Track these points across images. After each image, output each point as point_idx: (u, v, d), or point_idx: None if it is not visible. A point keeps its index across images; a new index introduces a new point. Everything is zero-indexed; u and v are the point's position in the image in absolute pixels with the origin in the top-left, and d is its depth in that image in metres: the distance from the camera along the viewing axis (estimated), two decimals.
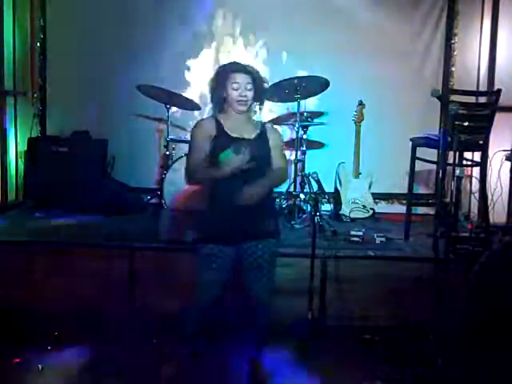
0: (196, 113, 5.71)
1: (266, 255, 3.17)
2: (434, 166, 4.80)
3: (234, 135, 3.12)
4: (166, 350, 3.51)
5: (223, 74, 3.13)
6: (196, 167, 3.09)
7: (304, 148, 5.42)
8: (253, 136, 3.15)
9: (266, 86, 3.24)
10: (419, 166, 4.95)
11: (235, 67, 3.15)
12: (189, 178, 3.18)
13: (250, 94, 3.11)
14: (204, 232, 3.19)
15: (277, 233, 3.28)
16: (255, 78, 3.13)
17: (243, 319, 3.43)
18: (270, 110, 5.80)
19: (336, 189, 5.53)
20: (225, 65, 3.22)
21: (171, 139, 5.28)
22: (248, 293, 3.27)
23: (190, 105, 5.42)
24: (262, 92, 3.19)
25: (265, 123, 3.30)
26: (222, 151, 3.02)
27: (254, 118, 3.27)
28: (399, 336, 3.86)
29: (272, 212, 3.33)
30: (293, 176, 5.44)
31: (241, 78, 3.09)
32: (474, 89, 5.57)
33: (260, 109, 3.25)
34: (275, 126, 3.44)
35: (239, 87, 3.08)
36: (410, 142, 4.90)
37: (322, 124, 5.61)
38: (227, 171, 2.97)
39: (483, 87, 5.56)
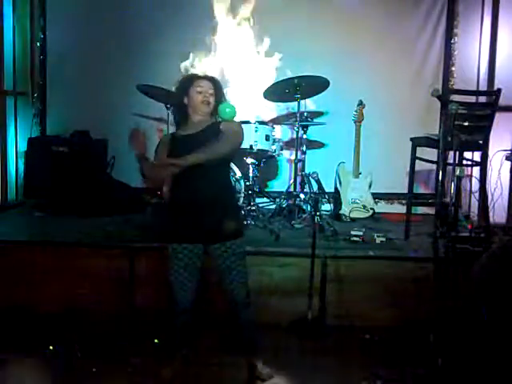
0: None
1: (232, 257, 3.18)
2: (434, 166, 4.81)
3: (184, 133, 3.23)
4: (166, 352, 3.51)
5: (186, 81, 3.30)
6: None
7: (304, 148, 5.42)
8: (200, 129, 3.21)
9: (223, 94, 3.38)
10: (419, 165, 4.96)
11: (199, 75, 3.37)
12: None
13: (212, 100, 3.25)
14: (166, 232, 3.24)
15: (241, 232, 3.28)
16: (216, 86, 3.30)
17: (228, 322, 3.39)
18: (270, 110, 5.82)
19: (336, 189, 5.53)
20: (187, 74, 3.46)
21: None
22: (226, 295, 3.27)
23: None
24: (221, 99, 3.33)
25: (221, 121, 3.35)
26: (175, 153, 3.13)
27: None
28: (399, 336, 3.86)
29: (235, 211, 3.37)
30: (293, 176, 5.46)
31: (204, 84, 3.26)
32: (474, 88, 5.57)
33: None
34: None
35: (202, 91, 3.23)
36: (410, 142, 4.90)
37: (321, 124, 5.61)
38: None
39: (483, 87, 5.56)
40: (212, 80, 3.31)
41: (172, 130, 5.30)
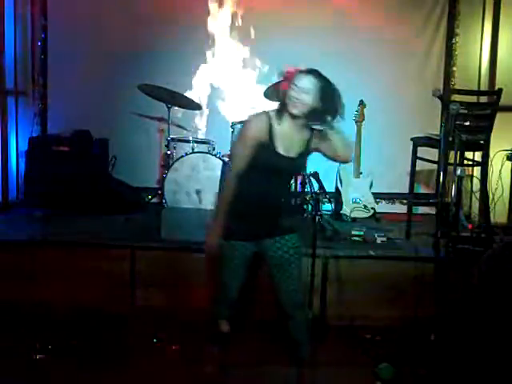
0: (197, 112, 5.74)
1: (291, 250, 3.09)
2: (435, 166, 4.80)
3: (280, 151, 3.01)
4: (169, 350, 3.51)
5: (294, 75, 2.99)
6: (230, 182, 3.02)
7: None
8: (295, 155, 3.06)
9: (336, 103, 3.14)
10: (420, 165, 4.96)
11: (305, 70, 3.02)
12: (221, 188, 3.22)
13: (306, 98, 2.97)
14: (226, 229, 3.08)
15: (296, 228, 3.19)
16: (320, 88, 3.00)
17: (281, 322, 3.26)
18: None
19: (337, 188, 5.52)
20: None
21: (172, 139, 5.28)
22: (279, 295, 3.14)
23: (191, 104, 5.42)
24: (325, 107, 3.08)
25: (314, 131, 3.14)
26: (263, 163, 2.98)
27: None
28: (399, 336, 3.86)
29: (289, 209, 3.31)
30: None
31: (304, 80, 2.96)
32: (475, 88, 5.56)
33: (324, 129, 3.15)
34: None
35: (298, 87, 2.95)
36: (411, 142, 4.90)
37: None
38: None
39: (484, 87, 5.55)
40: (317, 79, 3.01)
41: (173, 128, 5.41)
